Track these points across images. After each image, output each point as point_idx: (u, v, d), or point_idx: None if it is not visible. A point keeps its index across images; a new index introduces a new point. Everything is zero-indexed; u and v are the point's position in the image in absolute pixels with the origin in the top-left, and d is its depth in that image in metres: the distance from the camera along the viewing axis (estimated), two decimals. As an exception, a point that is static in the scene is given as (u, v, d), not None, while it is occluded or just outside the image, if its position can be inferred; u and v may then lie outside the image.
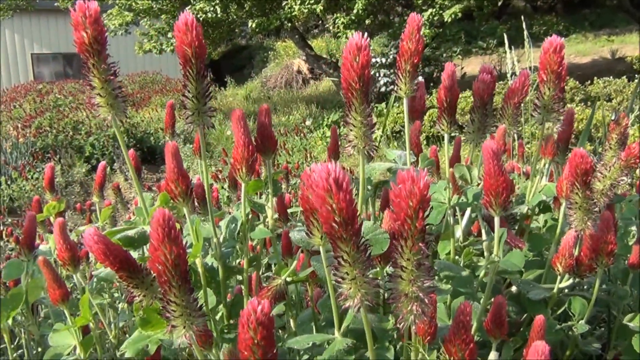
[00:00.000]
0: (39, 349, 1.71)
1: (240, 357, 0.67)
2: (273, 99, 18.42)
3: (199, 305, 0.77)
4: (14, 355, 1.86)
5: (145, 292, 0.88)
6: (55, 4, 15.76)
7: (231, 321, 1.09)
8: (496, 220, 1.04)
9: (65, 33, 22.61)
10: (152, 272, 0.92)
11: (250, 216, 1.09)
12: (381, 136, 2.98)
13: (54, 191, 2.07)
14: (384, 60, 13.29)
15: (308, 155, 10.30)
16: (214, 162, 11.86)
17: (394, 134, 10.49)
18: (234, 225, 1.07)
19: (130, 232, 0.99)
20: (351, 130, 0.99)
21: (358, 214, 0.74)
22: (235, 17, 13.67)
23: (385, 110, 11.65)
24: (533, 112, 1.40)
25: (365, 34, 0.97)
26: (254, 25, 13.11)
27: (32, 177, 9.43)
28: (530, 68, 3.58)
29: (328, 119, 13.49)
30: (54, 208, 1.99)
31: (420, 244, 0.73)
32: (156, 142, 13.12)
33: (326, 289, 1.36)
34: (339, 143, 1.73)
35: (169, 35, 13.77)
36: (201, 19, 12.93)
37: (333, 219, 0.72)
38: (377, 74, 13.06)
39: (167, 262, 0.73)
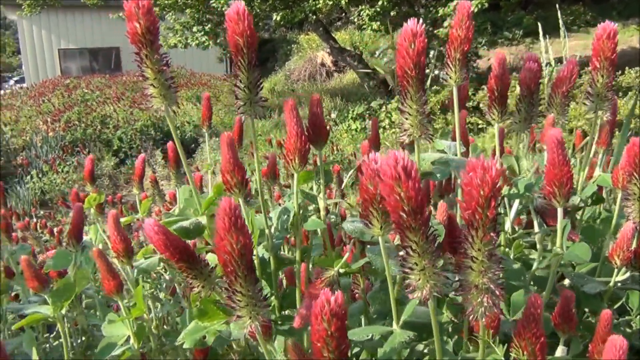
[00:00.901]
0: (82, 338, 1.73)
1: (313, 349, 0.66)
2: (297, 91, 18.42)
3: (263, 296, 0.77)
4: (55, 343, 1.89)
5: (204, 283, 0.88)
6: (82, 0, 15.92)
7: (284, 312, 1.08)
8: (560, 211, 1.01)
9: (91, 29, 22.88)
10: (209, 263, 0.91)
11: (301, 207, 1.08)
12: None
13: (94, 183, 2.08)
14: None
15: (334, 148, 10.28)
16: (241, 155, 11.91)
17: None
18: (286, 216, 1.06)
19: (185, 223, 0.98)
20: (406, 118, 0.97)
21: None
22: (259, 10, 13.65)
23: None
24: (585, 100, 1.37)
25: (420, 20, 0.95)
26: (278, 19, 13.09)
27: (62, 171, 9.57)
28: (563, 58, 3.50)
29: (353, 111, 13.43)
30: (95, 200, 2.01)
31: (491, 234, 0.71)
32: (182, 135, 13.23)
33: (373, 281, 1.35)
34: (378, 134, 1.71)
35: (194, 29, 13.81)
36: (226, 11, 12.95)
37: (402, 208, 0.71)
38: (403, 66, 12.94)
39: (234, 252, 0.72)
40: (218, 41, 13.86)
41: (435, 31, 11.92)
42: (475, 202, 0.69)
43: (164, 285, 1.87)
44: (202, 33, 13.59)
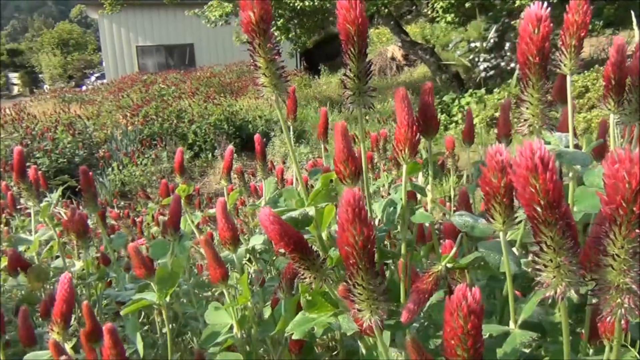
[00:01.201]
0: (173, 325, 1.77)
1: (445, 347, 0.63)
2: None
3: (384, 289, 0.75)
4: (143, 329, 1.94)
5: (316, 274, 0.86)
6: (159, -2, 16.47)
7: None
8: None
9: (167, 26, 23.60)
10: (320, 254, 0.90)
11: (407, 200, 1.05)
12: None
13: (184, 174, 2.12)
14: (484, 44, 12.85)
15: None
16: (311, 149, 11.98)
17: (490, 122, 10.10)
18: (392, 208, 1.03)
19: (294, 214, 0.98)
20: (527, 108, 0.92)
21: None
22: (329, 5, 13.68)
23: (485, 97, 11.25)
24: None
25: (545, 3, 0.90)
26: (349, 12, 13.04)
27: (140, 163, 9.92)
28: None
29: (424, 105, 13.22)
30: (184, 190, 2.05)
31: (637, 231, 0.66)
32: (254, 130, 13.44)
33: (472, 277, 1.30)
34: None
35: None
36: (298, 7, 13.03)
37: (537, 202, 0.67)
38: (477, 59, 12.64)
39: (356, 244, 0.70)
40: (290, 36, 14.01)
41: (512, 22, 11.56)
42: (621, 196, 0.64)
43: (253, 276, 1.89)
44: (274, 28, 13.75)
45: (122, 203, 8.30)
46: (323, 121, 2.13)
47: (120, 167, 9.81)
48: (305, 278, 0.87)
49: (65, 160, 9.86)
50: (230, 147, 2.14)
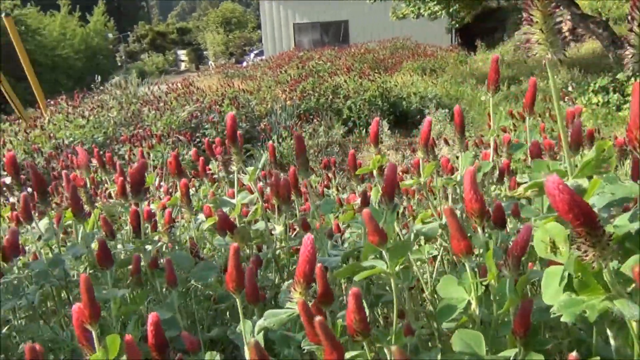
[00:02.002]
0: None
1: None
2: (528, 62, 17.31)
3: None
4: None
5: (600, 253, 0.77)
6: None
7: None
8: None
9: (323, 3, 24.01)
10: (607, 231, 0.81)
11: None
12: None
13: (378, 145, 2.09)
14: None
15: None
16: (467, 127, 11.58)
17: None
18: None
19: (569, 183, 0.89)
20: None
21: None
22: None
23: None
24: None
25: None
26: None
27: (298, 137, 10.22)
28: None
29: (595, 84, 12.20)
30: (379, 161, 2.03)
31: None
32: (408, 106, 13.30)
33: None
34: None
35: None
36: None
37: None
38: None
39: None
40: (450, 10, 13.59)
41: None
42: None
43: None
44: (435, 2, 13.39)
45: (282, 175, 8.62)
46: (531, 90, 1.98)
47: (280, 140, 10.19)
48: (586, 255, 0.79)
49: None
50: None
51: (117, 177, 2.33)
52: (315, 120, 11.41)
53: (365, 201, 1.90)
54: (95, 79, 15.34)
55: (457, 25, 18.49)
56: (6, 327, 2.07)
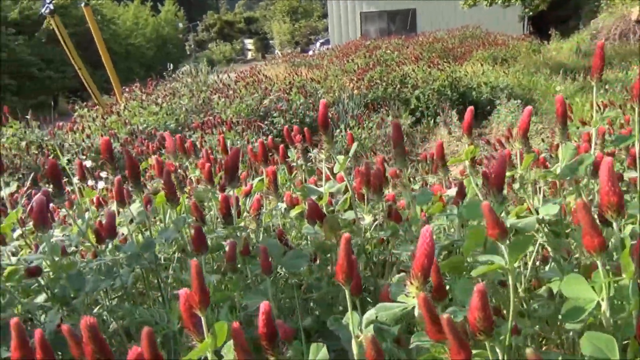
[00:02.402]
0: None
1: None
2: (606, 52, 16.54)
3: None
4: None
5: None
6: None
7: None
8: None
9: (391, -8, 23.75)
10: None
11: None
12: None
13: (471, 135, 2.02)
14: None
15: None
16: (540, 119, 11.19)
17: None
18: None
19: None
20: None
21: None
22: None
23: None
24: None
25: None
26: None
27: (366, 127, 10.15)
28: None
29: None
30: (472, 152, 1.95)
31: None
32: (478, 96, 12.96)
33: None
34: None
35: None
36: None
37: None
38: None
39: None
40: (525, -3, 13.14)
41: None
42: None
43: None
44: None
45: (349, 164, 8.58)
46: (641, 80, 1.85)
47: (347, 129, 10.14)
48: None
49: (297, 120, 10.47)
50: (529, 107, 1.96)
51: (204, 163, 2.36)
52: (383, 109, 11.29)
53: (462, 193, 1.83)
54: (168, 67, 15.75)
55: (530, 12, 17.84)
56: (97, 307, 2.13)
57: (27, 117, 9.50)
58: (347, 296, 1.09)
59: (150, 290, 2.14)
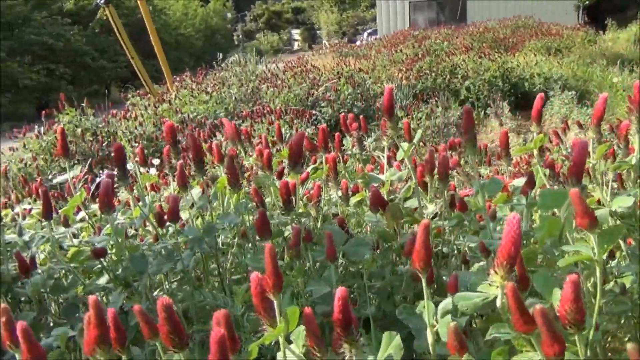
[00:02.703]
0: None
1: None
2: (667, 42, 15.89)
3: None
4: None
5: None
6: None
7: None
8: None
9: (442, -20, 23.34)
10: None
11: None
12: None
13: (541, 123, 1.95)
14: None
15: None
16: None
17: None
18: None
19: None
20: None
21: None
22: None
23: None
24: None
25: None
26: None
27: (415, 117, 10.03)
28: None
29: None
30: (541, 140, 1.89)
31: None
32: (530, 88, 12.64)
33: None
34: None
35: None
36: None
37: None
38: None
39: None
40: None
41: None
42: None
43: None
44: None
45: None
46: None
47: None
48: None
49: (345, 110, 10.42)
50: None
51: (264, 149, 2.35)
52: (433, 100, 11.14)
53: (531, 182, 1.77)
54: (217, 56, 15.92)
55: (586, 1, 17.29)
56: (157, 290, 2.16)
57: (82, 104, 9.75)
58: (424, 285, 1.06)
59: (208, 275, 2.16)
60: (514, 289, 0.87)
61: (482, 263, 1.36)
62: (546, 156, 4.13)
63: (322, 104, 10.53)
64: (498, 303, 0.97)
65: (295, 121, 8.38)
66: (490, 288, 0.98)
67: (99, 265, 2.10)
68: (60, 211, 2.37)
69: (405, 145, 1.83)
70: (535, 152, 1.93)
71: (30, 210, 2.86)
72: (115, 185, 2.24)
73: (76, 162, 7.75)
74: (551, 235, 1.34)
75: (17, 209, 2.79)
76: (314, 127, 8.62)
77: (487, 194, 1.62)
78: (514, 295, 0.87)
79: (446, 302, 1.08)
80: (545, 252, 1.49)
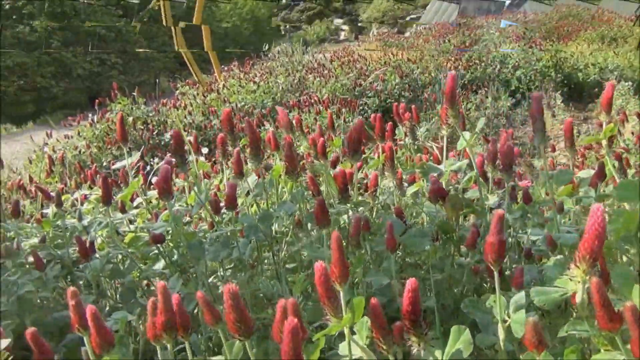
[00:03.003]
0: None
1: None
2: None
3: None
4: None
5: None
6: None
7: None
8: None
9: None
10: None
11: None
12: None
13: (610, 112, 1.86)
14: None
15: None
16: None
17: None
18: None
19: None
20: None
21: None
22: None
23: None
24: None
25: None
26: None
27: (464, 107, 9.84)
28: None
29: None
30: (611, 130, 1.81)
31: None
32: (584, 78, 12.23)
33: None
34: None
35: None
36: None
37: None
38: None
39: None
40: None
41: None
42: None
43: None
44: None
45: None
46: None
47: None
48: None
49: (392, 100, 10.32)
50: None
51: (317, 137, 2.33)
52: (483, 90, 10.90)
53: (602, 174, 1.69)
54: (264, 46, 15.98)
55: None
56: (212, 276, 2.17)
57: (133, 94, 9.94)
58: (496, 278, 1.02)
59: (262, 263, 2.15)
60: (600, 284, 0.82)
61: (559, 257, 1.31)
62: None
63: (369, 94, 10.45)
64: (578, 299, 0.92)
65: (342, 111, 8.33)
66: (568, 283, 0.94)
67: (156, 251, 2.13)
68: (117, 197, 2.41)
69: (466, 134, 1.77)
70: (604, 142, 1.85)
71: (86, 196, 2.93)
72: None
73: (127, 150, 7.89)
74: (628, 230, 1.27)
75: (76, 195, 2.85)
76: (360, 117, 8.56)
77: (557, 184, 1.56)
78: (600, 291, 0.82)
79: (519, 297, 1.03)
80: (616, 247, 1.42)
